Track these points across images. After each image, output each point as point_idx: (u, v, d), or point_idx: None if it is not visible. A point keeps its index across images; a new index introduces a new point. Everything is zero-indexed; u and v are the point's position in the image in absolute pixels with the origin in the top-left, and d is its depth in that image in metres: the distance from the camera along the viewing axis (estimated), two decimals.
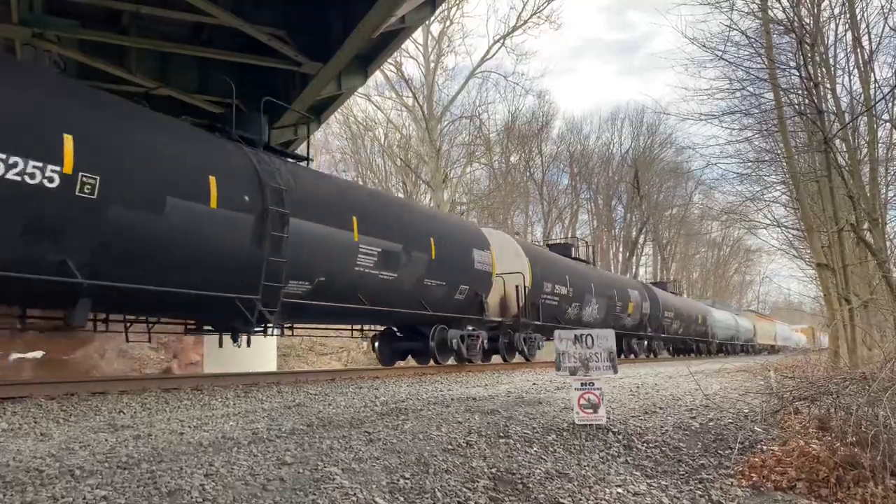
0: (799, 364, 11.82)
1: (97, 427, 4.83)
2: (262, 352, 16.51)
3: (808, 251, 21.86)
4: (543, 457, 4.49)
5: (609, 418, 5.27)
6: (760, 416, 5.53)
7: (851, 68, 14.39)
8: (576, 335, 5.27)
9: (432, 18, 24.00)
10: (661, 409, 6.12)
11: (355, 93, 23.00)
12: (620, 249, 55.66)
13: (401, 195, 35.55)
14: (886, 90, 10.69)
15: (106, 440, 4.20)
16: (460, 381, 9.85)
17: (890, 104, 12.99)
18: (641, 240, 54.37)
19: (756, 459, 4.65)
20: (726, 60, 12.09)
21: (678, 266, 63.28)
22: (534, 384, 8.98)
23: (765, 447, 4.94)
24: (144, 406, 6.13)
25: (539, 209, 49.11)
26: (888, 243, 12.73)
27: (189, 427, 4.79)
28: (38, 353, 14.84)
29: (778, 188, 20.13)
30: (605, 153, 54.48)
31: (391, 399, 6.81)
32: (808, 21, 13.57)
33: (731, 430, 5.29)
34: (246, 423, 4.98)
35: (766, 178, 19.12)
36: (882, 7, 16.39)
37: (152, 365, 17.55)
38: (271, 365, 16.95)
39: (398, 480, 3.62)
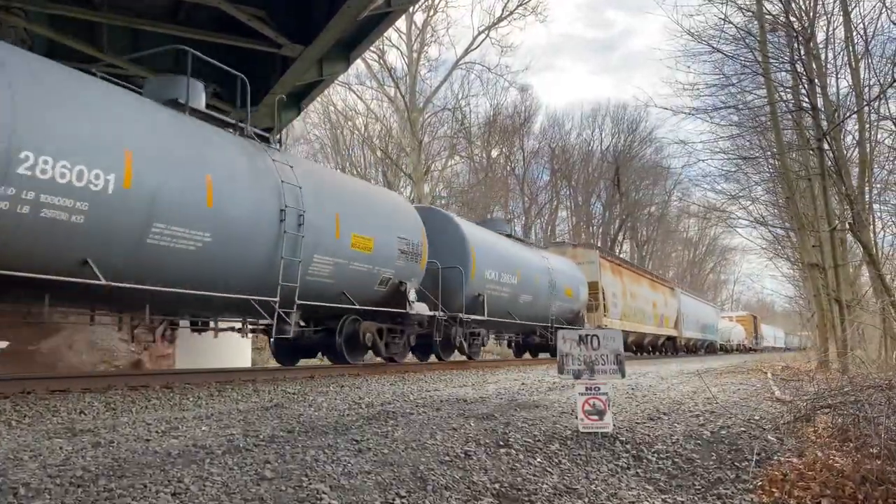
0: (794, 366, 11.63)
1: (53, 431, 4.35)
2: (236, 346, 15.94)
3: (792, 250, 21.82)
4: (549, 469, 4.10)
5: (614, 425, 4.89)
6: (782, 425, 5.18)
7: (839, 67, 14.21)
8: (580, 335, 4.89)
9: (419, 3, 23.49)
10: (665, 414, 5.76)
11: (335, 81, 22.45)
12: (598, 246, 55.57)
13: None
14: (885, 85, 10.45)
15: (61, 448, 3.72)
16: (445, 380, 9.45)
17: (881, 102, 12.82)
18: (620, 237, 54.41)
19: (776, 473, 4.31)
20: (722, 52, 11.79)
21: (655, 264, 63.52)
22: (523, 384, 8.60)
23: (782, 458, 4.60)
24: (108, 406, 5.63)
25: (520, 205, 48.85)
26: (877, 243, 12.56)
27: (156, 432, 4.32)
28: (3, 344, 14.15)
29: (761, 186, 20.04)
30: (585, 150, 54.40)
31: (376, 400, 6.37)
32: (802, 16, 13.36)
33: (745, 439, 4.94)
34: (220, 428, 4.53)
35: (751, 176, 19.01)
36: (876, 5, 16.23)
37: (122, 357, 16.90)
38: (246, 360, 16.39)
39: (394, 500, 3.20)
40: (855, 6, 13.15)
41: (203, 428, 4.54)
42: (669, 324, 29.91)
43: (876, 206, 14.65)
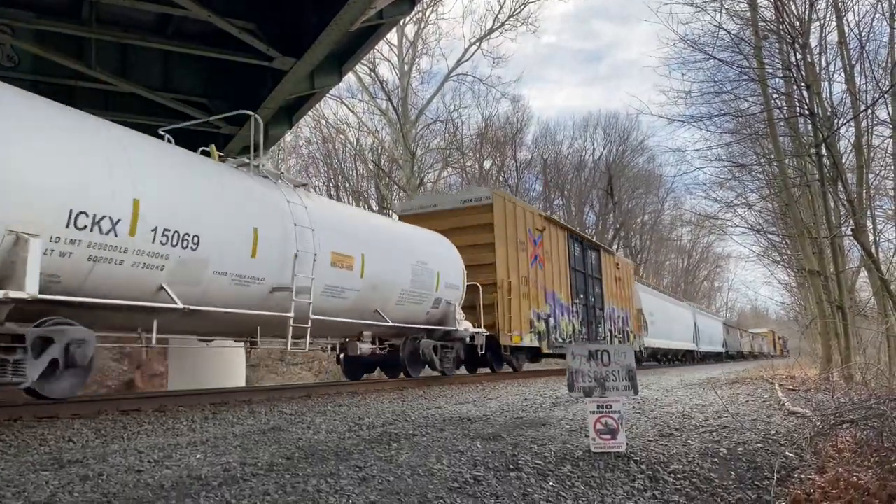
0: (797, 375, 11.48)
1: (39, 462, 4.12)
2: (230, 363, 15.67)
3: (788, 257, 21.74)
4: (562, 493, 3.90)
5: (628, 444, 4.70)
6: (800, 440, 5.00)
7: (832, 72, 14.16)
8: (590, 351, 4.71)
9: (411, 15, 23.42)
10: (677, 430, 5.57)
11: (327, 94, 22.28)
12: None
13: (372, 202, 34.94)
14: (885, 90, 10.36)
15: (47, 483, 3.50)
16: (444, 396, 9.25)
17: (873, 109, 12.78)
18: (615, 247, 54.31)
19: (799, 492, 4.12)
20: (718, 59, 11.70)
21: (649, 273, 63.47)
22: (525, 399, 8.41)
23: (803, 476, 4.42)
24: (98, 433, 5.41)
25: None
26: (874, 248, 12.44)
27: (149, 462, 4.10)
28: None
29: (756, 193, 19.94)
30: (577, 160, 54.35)
31: (377, 421, 6.17)
32: (795, 22, 13.30)
33: (763, 455, 4.76)
34: (215, 455, 4.31)
35: (746, 183, 18.93)
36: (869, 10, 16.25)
37: (114, 377, 16.58)
38: (240, 378, 16.10)
39: None
40: (848, 11, 13.07)
41: (198, 455, 4.32)
42: None
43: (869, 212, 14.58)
